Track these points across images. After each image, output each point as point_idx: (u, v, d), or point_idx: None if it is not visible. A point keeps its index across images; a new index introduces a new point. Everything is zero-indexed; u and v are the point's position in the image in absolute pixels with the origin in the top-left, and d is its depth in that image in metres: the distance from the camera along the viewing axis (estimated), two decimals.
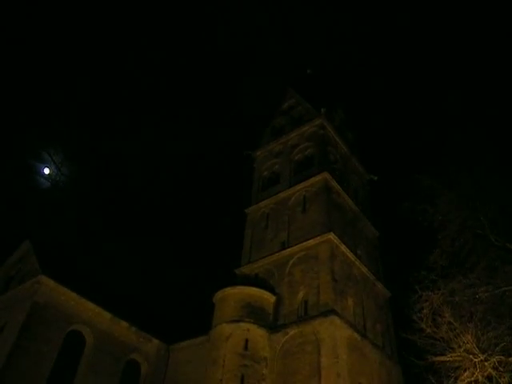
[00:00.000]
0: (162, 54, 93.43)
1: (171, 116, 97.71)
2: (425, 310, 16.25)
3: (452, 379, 15.25)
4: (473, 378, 14.74)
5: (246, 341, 27.28)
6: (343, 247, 31.45)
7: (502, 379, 14.37)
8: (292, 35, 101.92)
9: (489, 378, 14.67)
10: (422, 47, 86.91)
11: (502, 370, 14.42)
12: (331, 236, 30.37)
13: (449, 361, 15.49)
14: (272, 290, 30.33)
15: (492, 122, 17.17)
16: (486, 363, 14.47)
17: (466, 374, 14.90)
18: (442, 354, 15.71)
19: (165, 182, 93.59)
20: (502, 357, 14.46)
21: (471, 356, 14.78)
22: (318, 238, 30.72)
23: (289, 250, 32.02)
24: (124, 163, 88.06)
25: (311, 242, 30.97)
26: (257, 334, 27.73)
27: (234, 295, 29.43)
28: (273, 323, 28.76)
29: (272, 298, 29.79)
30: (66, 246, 38.66)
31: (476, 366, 14.70)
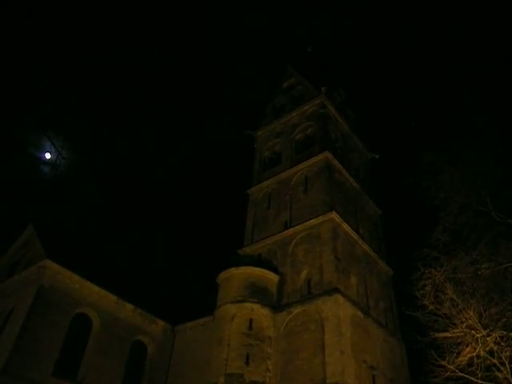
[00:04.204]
0: (161, 36, 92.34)
1: (171, 98, 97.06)
2: (427, 287, 16.36)
3: (454, 355, 15.43)
4: (475, 353, 14.93)
5: (251, 320, 27.56)
6: (345, 226, 31.50)
7: (504, 354, 14.53)
8: (293, 13, 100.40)
9: (490, 352, 14.84)
10: (424, 23, 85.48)
11: (503, 344, 14.58)
12: (333, 215, 30.39)
13: (451, 337, 15.66)
14: (275, 270, 30.51)
15: (493, 97, 16.97)
16: (487, 338, 14.62)
17: (468, 350, 15.08)
18: (445, 330, 15.87)
19: (167, 165, 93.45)
20: (503, 332, 14.61)
21: (473, 332, 14.93)
22: (321, 217, 30.75)
23: (291, 229, 32.09)
24: (125, 148, 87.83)
25: (313, 221, 31.02)
26: (261, 313, 28.00)
27: (237, 275, 29.63)
28: (277, 303, 29.00)
29: (275, 278, 29.98)
30: (70, 229, 38.79)
31: (478, 341, 14.86)
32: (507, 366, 14.57)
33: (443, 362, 15.64)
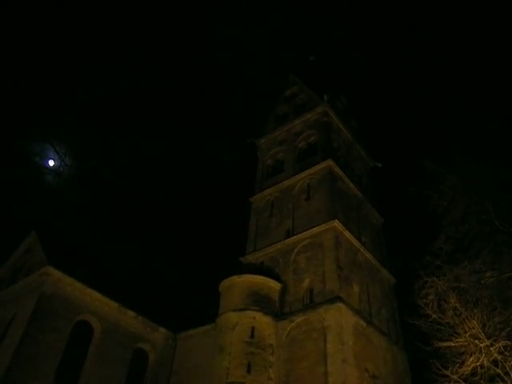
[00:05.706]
0: (162, 43, 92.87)
1: (175, 106, 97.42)
2: (430, 296, 16.27)
3: (457, 364, 15.28)
4: (478, 363, 14.78)
5: (253, 329, 27.42)
6: (348, 234, 31.43)
7: (508, 364, 14.38)
8: (295, 22, 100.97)
9: (494, 362, 14.69)
10: (425, 31, 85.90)
11: (507, 354, 14.44)
12: (336, 223, 30.34)
13: (454, 346, 15.52)
14: (277, 278, 30.41)
15: (495, 105, 16.99)
16: (491, 348, 14.49)
17: (471, 359, 14.93)
18: (448, 340, 15.75)
19: (169, 172, 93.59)
20: (507, 341, 14.48)
21: (477, 341, 14.80)
22: (323, 225, 30.70)
23: (294, 237, 32.03)
24: (128, 155, 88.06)
25: (316, 229, 30.96)
26: (263, 321, 27.87)
27: (239, 283, 29.54)
28: (279, 311, 28.89)
29: (277, 286, 29.87)
30: (72, 236, 38.86)
31: (481, 351, 14.72)
32: (511, 376, 14.42)
33: (446, 372, 15.49)
